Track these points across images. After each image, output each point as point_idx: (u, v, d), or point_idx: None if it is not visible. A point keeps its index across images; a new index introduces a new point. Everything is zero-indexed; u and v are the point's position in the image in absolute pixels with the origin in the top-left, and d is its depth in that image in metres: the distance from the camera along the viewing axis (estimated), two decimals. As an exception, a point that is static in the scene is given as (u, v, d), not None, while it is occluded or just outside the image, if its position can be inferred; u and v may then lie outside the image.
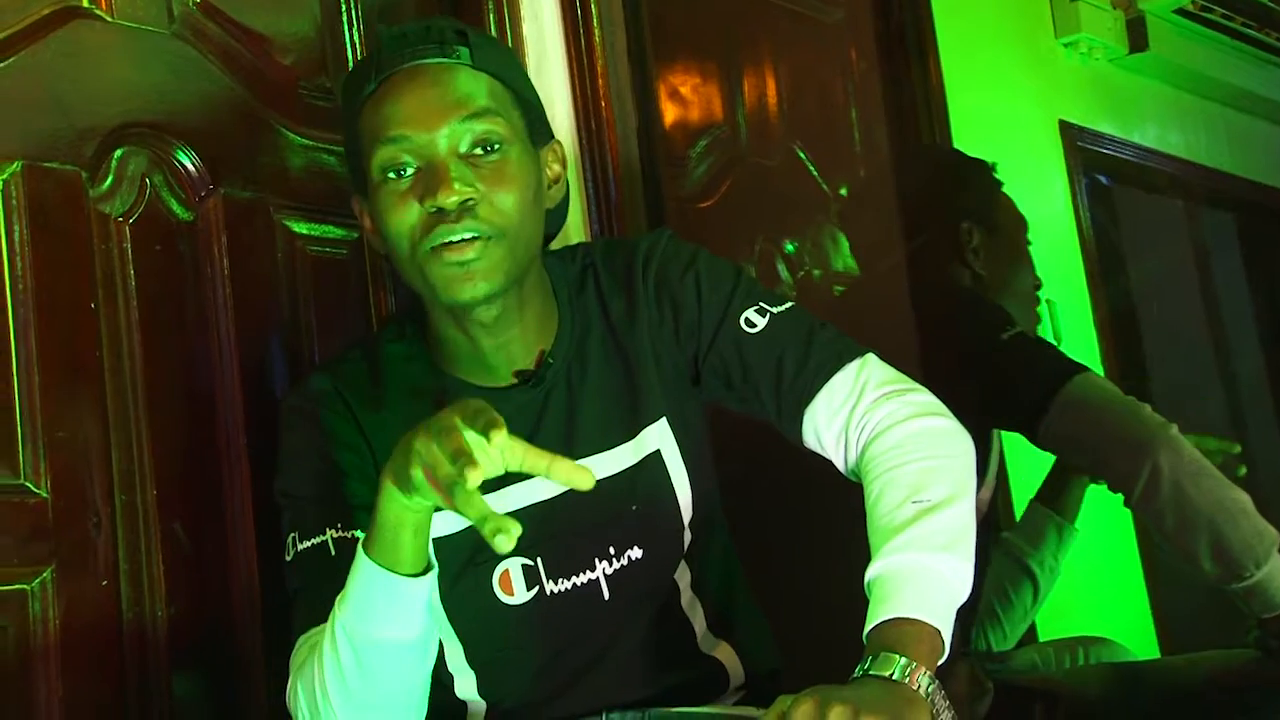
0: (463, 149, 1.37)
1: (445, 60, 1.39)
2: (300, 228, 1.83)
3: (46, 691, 1.48)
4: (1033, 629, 2.73)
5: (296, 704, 1.35)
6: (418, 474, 1.18)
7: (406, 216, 1.37)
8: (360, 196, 1.46)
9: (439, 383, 1.47)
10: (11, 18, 1.57)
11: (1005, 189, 2.51)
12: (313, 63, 1.89)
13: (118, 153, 1.65)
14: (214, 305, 1.72)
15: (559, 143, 1.51)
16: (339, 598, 1.30)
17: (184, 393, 1.67)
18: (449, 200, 1.34)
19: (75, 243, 1.59)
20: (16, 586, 1.48)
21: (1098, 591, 3.28)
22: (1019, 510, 2.62)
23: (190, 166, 1.72)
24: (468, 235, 1.35)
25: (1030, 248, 2.49)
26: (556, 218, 1.54)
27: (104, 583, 1.55)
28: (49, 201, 1.56)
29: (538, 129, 1.46)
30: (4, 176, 1.53)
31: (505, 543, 1.09)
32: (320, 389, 1.49)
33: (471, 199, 1.35)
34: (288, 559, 1.43)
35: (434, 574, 1.30)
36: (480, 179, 1.37)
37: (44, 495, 1.51)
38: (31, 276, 1.54)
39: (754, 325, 1.46)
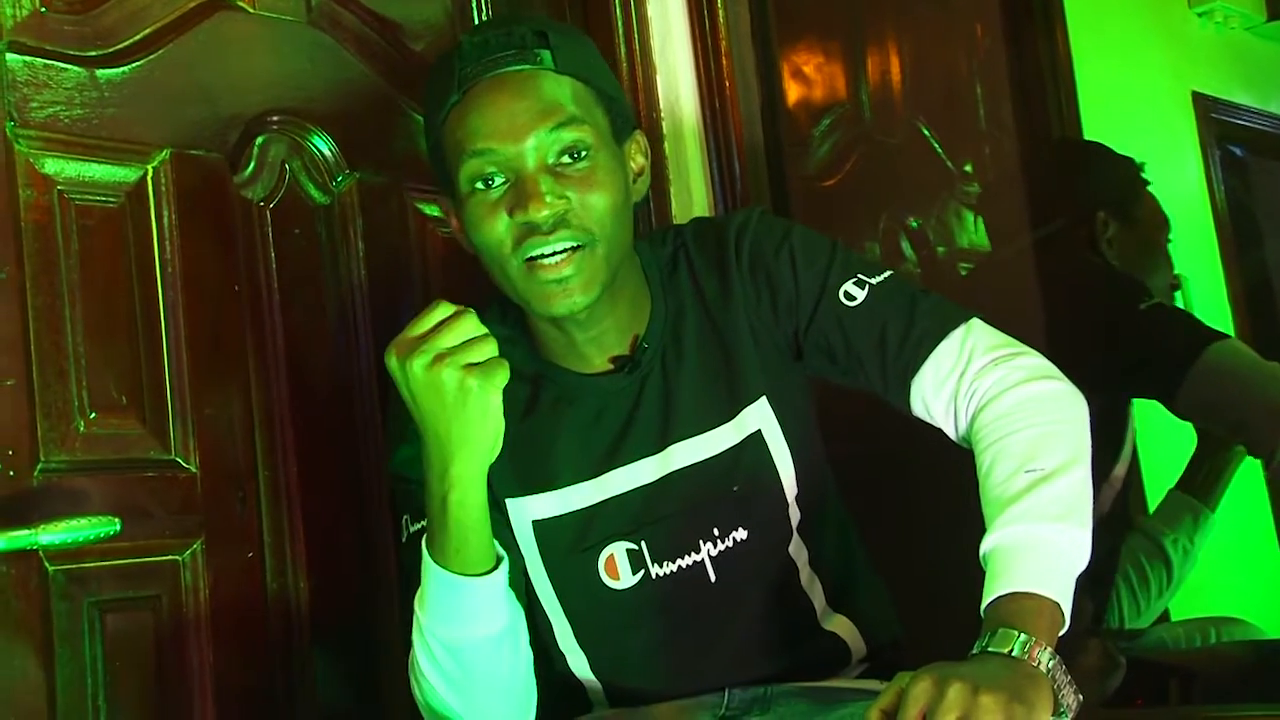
0: (550, 159, 1.37)
1: (527, 67, 1.38)
2: (431, 210, 1.87)
3: (198, 657, 1.55)
4: (1165, 609, 2.70)
5: (414, 685, 1.39)
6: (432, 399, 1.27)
7: (496, 228, 1.37)
8: (448, 199, 1.47)
9: (537, 369, 1.48)
10: (160, 11, 1.63)
11: (1147, 184, 2.48)
12: (443, 48, 1.92)
13: (259, 140, 1.71)
14: (350, 286, 1.77)
15: (641, 133, 1.50)
16: (418, 596, 1.33)
17: (322, 372, 1.73)
18: (540, 215, 1.34)
19: (220, 227, 1.65)
20: (169, 557, 1.55)
21: (1231, 571, 3.22)
22: (1148, 485, 2.59)
23: (327, 152, 1.77)
24: (561, 247, 1.36)
25: (1170, 246, 2.46)
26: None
27: (249, 555, 1.62)
28: (195, 188, 1.63)
29: (621, 124, 1.45)
30: (154, 164, 1.60)
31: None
32: None
33: (562, 211, 1.36)
34: (402, 540, 1.46)
35: (506, 564, 1.33)
36: (570, 187, 1.36)
37: (193, 470, 1.58)
38: (179, 260, 1.60)
39: (854, 298, 1.44)
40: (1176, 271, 2.53)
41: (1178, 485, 2.39)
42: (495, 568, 1.32)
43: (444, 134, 1.41)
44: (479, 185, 1.38)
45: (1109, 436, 2.27)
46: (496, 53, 1.38)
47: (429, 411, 1.29)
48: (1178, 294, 2.48)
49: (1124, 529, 2.37)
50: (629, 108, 1.49)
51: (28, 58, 1.51)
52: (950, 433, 1.41)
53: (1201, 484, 2.36)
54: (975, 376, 1.37)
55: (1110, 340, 2.27)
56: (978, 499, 1.30)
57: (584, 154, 1.38)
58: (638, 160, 1.48)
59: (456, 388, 1.28)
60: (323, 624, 1.67)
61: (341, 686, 1.70)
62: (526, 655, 1.40)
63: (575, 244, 1.36)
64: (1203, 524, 2.37)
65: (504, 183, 1.37)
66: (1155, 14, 3.47)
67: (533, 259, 1.36)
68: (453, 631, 1.32)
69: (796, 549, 1.48)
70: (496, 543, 1.34)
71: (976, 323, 1.42)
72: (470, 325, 1.29)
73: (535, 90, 1.38)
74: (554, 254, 1.36)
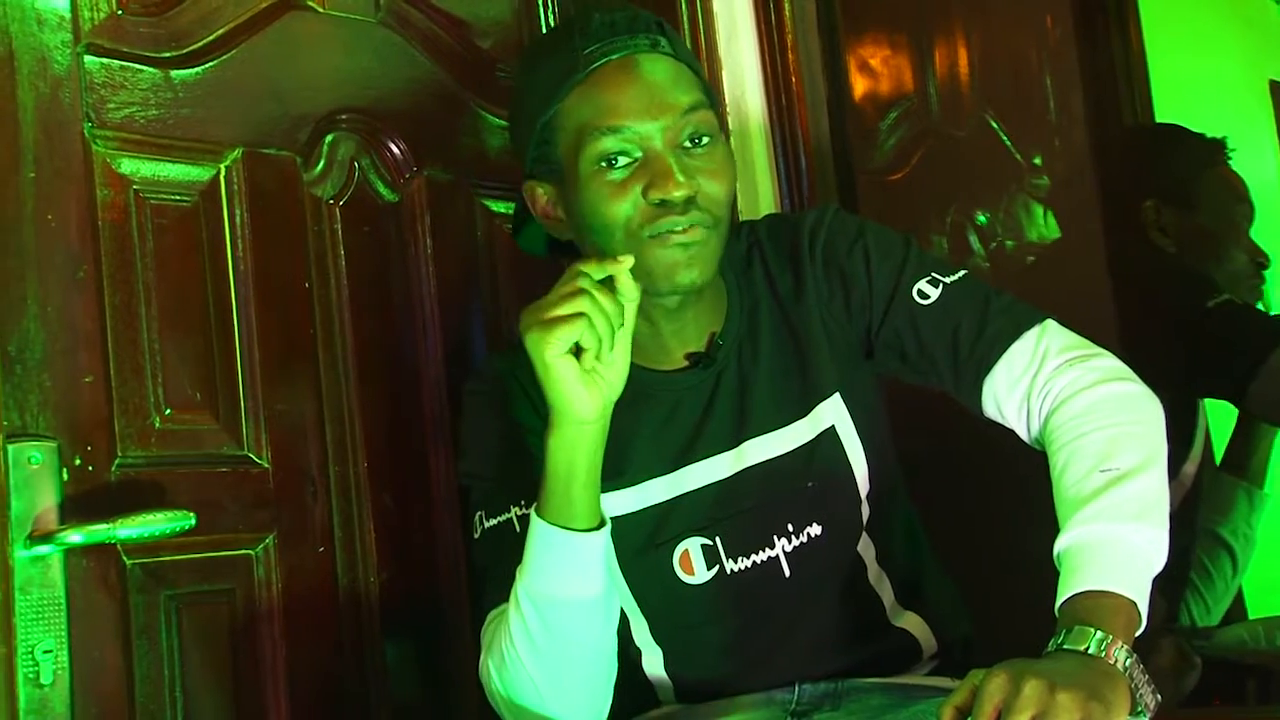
0: (679, 141, 1.37)
1: (654, 53, 1.38)
2: (498, 207, 1.88)
3: (271, 650, 1.57)
4: (1242, 606, 2.66)
5: (489, 678, 1.40)
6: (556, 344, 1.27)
7: (624, 206, 1.36)
8: (539, 181, 1.44)
9: None
10: (232, 12, 1.65)
11: (1218, 163, 2.43)
12: (510, 45, 1.94)
13: (329, 138, 1.73)
14: (418, 284, 1.79)
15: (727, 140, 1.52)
16: (520, 566, 1.34)
17: (391, 368, 1.75)
18: (678, 194, 1.34)
19: (290, 225, 1.67)
20: (242, 552, 1.57)
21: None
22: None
23: (395, 150, 1.79)
24: (693, 224, 1.36)
25: (1249, 227, 2.42)
26: None
27: (320, 549, 1.63)
28: (267, 186, 1.64)
29: (722, 122, 1.47)
30: (226, 163, 1.62)
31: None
32: (496, 372, 1.52)
33: (693, 192, 1.36)
34: (475, 537, 1.47)
35: (608, 530, 1.34)
36: (696, 171, 1.36)
37: (265, 465, 1.60)
38: (251, 258, 1.62)
39: (927, 297, 1.43)
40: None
41: (1222, 467, 2.35)
42: (596, 529, 1.33)
43: (562, 112, 1.39)
44: (602, 164, 1.37)
45: (1179, 434, 2.24)
46: (624, 34, 1.38)
47: (538, 378, 1.31)
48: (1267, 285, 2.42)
49: (1195, 527, 2.34)
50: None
51: (105, 59, 1.53)
52: (1022, 433, 1.40)
53: (1249, 464, 2.32)
54: (1049, 377, 1.36)
55: (1177, 339, 2.24)
56: (1049, 499, 1.29)
57: (706, 140, 1.38)
58: None
59: (539, 361, 1.29)
60: (393, 617, 1.68)
61: (413, 679, 1.71)
62: (614, 635, 1.40)
63: (702, 224, 1.37)
64: (1258, 506, 2.34)
65: (630, 162, 1.36)
66: (1230, 1, 3.42)
67: (659, 234, 1.36)
68: (548, 588, 1.32)
69: (864, 546, 1.48)
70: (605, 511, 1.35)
71: (1051, 324, 1.41)
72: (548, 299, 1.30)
73: (667, 73, 1.38)
74: (683, 228, 1.36)
